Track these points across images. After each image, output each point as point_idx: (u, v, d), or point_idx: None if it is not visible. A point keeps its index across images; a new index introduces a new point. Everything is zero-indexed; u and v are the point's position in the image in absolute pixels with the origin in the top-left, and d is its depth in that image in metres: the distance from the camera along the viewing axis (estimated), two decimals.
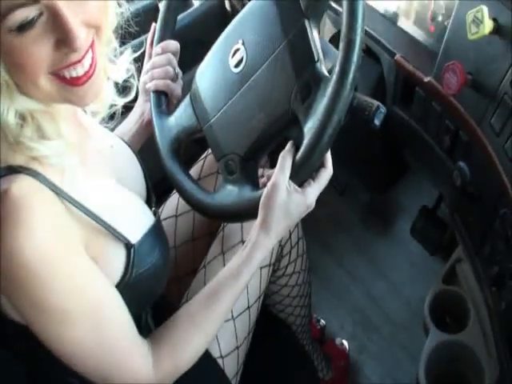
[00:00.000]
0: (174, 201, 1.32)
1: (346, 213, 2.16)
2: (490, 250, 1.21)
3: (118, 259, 0.86)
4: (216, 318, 0.95)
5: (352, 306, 1.96)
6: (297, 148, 0.93)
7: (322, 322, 1.89)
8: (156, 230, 0.95)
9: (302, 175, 0.93)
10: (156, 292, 1.00)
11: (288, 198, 0.91)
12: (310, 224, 2.11)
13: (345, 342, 1.84)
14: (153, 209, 1.01)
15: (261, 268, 1.20)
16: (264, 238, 0.94)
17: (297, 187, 0.92)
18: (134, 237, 0.88)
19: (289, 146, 0.94)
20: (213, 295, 0.95)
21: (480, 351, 1.32)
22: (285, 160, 0.92)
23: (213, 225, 1.30)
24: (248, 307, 1.18)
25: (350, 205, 2.17)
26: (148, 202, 1.04)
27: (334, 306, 1.97)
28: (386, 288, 1.97)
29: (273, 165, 0.95)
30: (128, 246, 0.86)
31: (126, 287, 0.87)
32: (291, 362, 1.49)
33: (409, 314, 1.85)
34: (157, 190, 1.31)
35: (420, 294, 1.60)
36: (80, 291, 0.78)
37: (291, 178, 0.92)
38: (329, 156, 0.95)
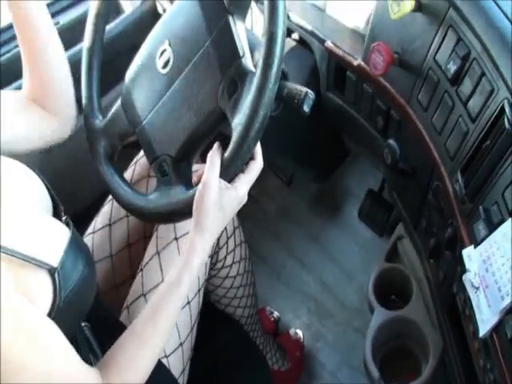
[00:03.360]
0: (107, 209, 1.30)
1: (294, 203, 2.17)
2: (426, 224, 1.23)
3: (44, 287, 0.82)
4: (162, 331, 0.93)
5: (305, 294, 1.97)
6: (228, 144, 0.93)
7: (276, 313, 1.89)
8: (74, 243, 0.90)
9: (231, 171, 0.92)
10: (88, 304, 0.96)
11: (219, 195, 0.91)
12: (260, 217, 2.14)
13: (299, 332, 1.85)
14: (63, 218, 0.95)
15: None
16: (199, 240, 0.93)
17: (227, 184, 0.92)
18: (55, 259, 0.84)
19: (216, 145, 0.94)
20: (156, 309, 0.93)
21: (424, 325, 1.35)
22: (213, 159, 0.91)
23: (148, 228, 1.29)
24: (188, 302, 1.17)
25: (298, 195, 2.17)
26: (56, 212, 0.98)
27: (287, 297, 1.97)
28: (339, 274, 1.98)
29: (205, 161, 0.94)
30: (51, 271, 0.82)
31: (58, 312, 0.83)
32: (240, 356, 1.49)
33: (362, 298, 1.85)
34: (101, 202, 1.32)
35: None
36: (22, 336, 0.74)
37: (221, 175, 0.91)
38: (258, 148, 0.95)
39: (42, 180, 0.99)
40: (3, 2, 0.97)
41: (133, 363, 0.90)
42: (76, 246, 0.90)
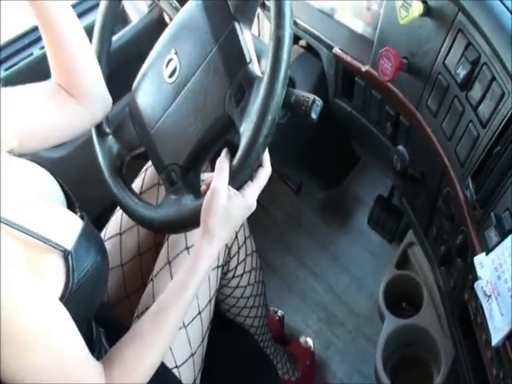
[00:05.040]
0: (117, 219, 1.30)
1: (303, 211, 2.16)
2: (436, 230, 1.22)
3: (58, 269, 0.82)
4: (166, 334, 0.93)
5: (316, 302, 1.96)
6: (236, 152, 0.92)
7: (280, 312, 1.88)
8: (87, 231, 0.91)
9: (240, 178, 0.91)
10: (99, 297, 0.98)
11: (228, 202, 0.90)
12: (269, 225, 2.13)
13: (309, 340, 1.83)
14: (78, 214, 0.96)
15: None
16: (207, 246, 0.92)
17: (236, 191, 0.91)
18: (69, 243, 0.85)
19: (224, 152, 0.94)
20: (161, 312, 0.93)
21: (435, 332, 1.33)
22: (222, 165, 0.91)
23: (158, 237, 1.28)
24: (199, 312, 1.16)
25: (307, 203, 2.17)
26: (71, 208, 0.99)
27: (297, 305, 1.96)
28: (349, 281, 1.97)
29: (213, 169, 0.94)
30: (65, 253, 0.83)
31: (70, 297, 0.83)
32: (251, 366, 1.48)
33: (372, 306, 1.84)
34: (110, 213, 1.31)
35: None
36: (34, 315, 0.75)
37: (230, 182, 0.91)
38: (267, 155, 0.94)
39: (55, 177, 1.00)
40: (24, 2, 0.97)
41: (137, 363, 0.90)
42: (89, 234, 0.91)
